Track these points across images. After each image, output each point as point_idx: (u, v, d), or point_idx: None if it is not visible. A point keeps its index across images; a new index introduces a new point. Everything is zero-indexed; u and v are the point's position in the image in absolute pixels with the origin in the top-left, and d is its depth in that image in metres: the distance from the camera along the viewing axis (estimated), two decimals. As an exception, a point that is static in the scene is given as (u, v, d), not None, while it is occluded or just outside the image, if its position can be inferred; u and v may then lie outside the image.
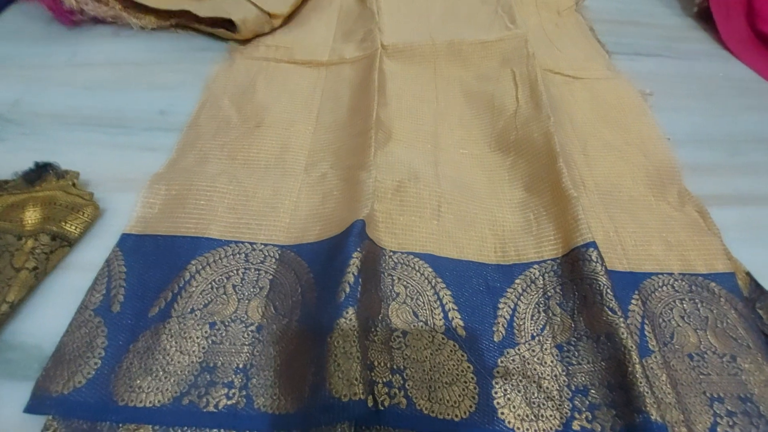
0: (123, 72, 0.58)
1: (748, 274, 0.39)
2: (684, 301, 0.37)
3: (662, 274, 0.38)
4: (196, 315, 0.33)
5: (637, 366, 0.29)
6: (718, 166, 0.50)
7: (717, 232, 0.42)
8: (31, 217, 0.37)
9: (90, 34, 0.63)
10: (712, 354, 0.34)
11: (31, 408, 0.28)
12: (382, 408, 0.29)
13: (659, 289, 0.37)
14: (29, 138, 0.48)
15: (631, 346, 0.30)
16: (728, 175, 0.49)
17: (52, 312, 0.34)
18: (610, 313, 0.32)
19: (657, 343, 0.33)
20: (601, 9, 0.76)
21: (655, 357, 0.32)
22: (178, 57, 0.60)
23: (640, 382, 0.28)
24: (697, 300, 0.37)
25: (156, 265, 0.36)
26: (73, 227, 0.37)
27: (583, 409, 0.30)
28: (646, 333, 0.34)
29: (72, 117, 0.51)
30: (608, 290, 0.33)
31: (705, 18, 0.73)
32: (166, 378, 0.30)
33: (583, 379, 0.31)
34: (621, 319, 0.31)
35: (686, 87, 0.61)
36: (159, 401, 0.29)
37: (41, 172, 0.40)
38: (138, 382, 0.30)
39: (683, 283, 0.38)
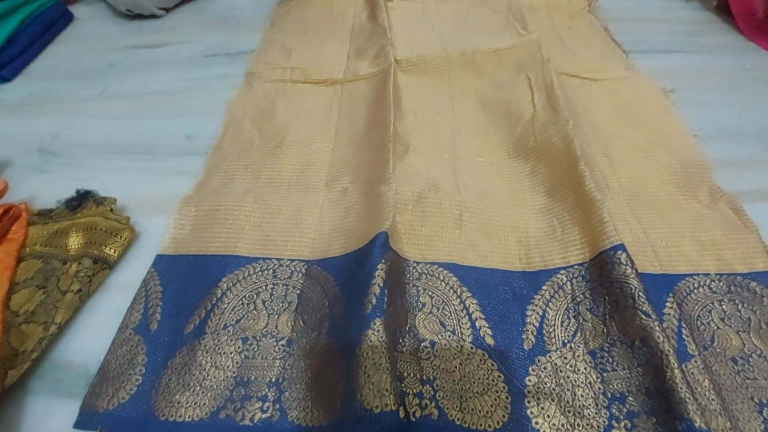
0: (150, 102, 0.61)
1: (791, 271, 0.37)
2: (723, 303, 0.35)
3: (697, 275, 0.37)
4: (229, 331, 0.34)
5: (676, 371, 0.28)
6: (751, 161, 0.48)
7: (755, 229, 0.40)
8: (75, 242, 0.39)
9: (119, 69, 0.68)
10: (758, 357, 0.32)
11: (81, 424, 0.30)
12: (414, 419, 0.29)
13: (695, 291, 0.36)
14: (69, 168, 0.52)
15: (668, 350, 0.29)
16: (763, 169, 0.47)
17: (96, 331, 0.35)
18: (643, 316, 0.31)
19: (696, 347, 0.32)
20: (615, 8, 0.75)
21: (695, 362, 0.31)
22: (200, 84, 0.63)
23: (680, 388, 0.27)
24: (737, 301, 0.35)
25: (189, 284, 0.37)
26: (113, 250, 0.39)
27: (622, 417, 0.29)
28: (684, 337, 0.32)
29: (106, 146, 0.54)
30: (640, 293, 0.32)
31: (725, 11, 0.71)
32: (203, 393, 0.31)
33: (620, 385, 0.31)
34: (656, 323, 0.30)
35: (711, 81, 0.60)
36: (197, 416, 0.30)
37: (82, 199, 0.43)
38: (177, 397, 0.31)
39: (721, 283, 0.36)
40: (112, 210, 0.42)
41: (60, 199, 0.44)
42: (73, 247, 0.39)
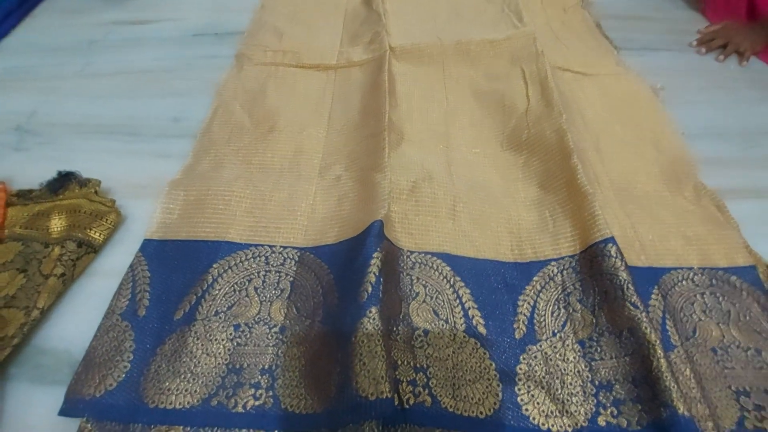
0: (134, 80, 0.59)
1: (768, 266, 0.38)
2: (705, 295, 0.36)
3: (682, 268, 0.38)
4: (220, 317, 0.34)
5: (662, 360, 0.29)
6: (734, 159, 0.50)
7: (735, 226, 0.41)
8: (57, 225, 0.37)
9: (100, 45, 0.65)
10: (736, 348, 0.34)
11: (66, 411, 0.29)
12: (407, 406, 0.29)
13: (679, 284, 0.37)
14: (47, 147, 0.49)
15: (655, 341, 0.30)
16: (745, 168, 0.49)
17: (80, 317, 0.34)
18: (632, 307, 0.32)
19: (679, 338, 0.33)
20: (607, 5, 0.76)
21: (678, 351, 0.32)
22: (187, 64, 0.61)
23: (666, 377, 0.28)
24: (718, 294, 0.37)
25: (179, 270, 0.36)
26: (98, 234, 0.38)
27: (608, 405, 0.30)
28: (667, 328, 0.34)
29: (87, 126, 0.52)
30: (629, 285, 0.33)
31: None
32: (194, 380, 0.31)
33: (607, 374, 0.32)
34: (643, 314, 0.31)
35: (698, 80, 0.61)
36: (188, 403, 0.30)
37: (64, 180, 0.41)
38: (167, 384, 0.30)
39: (703, 277, 0.38)
40: (96, 192, 0.41)
41: (42, 181, 0.42)
42: (55, 229, 0.37)
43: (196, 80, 0.58)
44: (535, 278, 0.37)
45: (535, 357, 0.33)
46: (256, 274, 0.37)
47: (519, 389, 0.31)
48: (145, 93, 0.57)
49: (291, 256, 0.38)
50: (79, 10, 0.72)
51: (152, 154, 0.49)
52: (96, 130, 0.52)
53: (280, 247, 0.39)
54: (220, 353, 0.32)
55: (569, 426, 0.30)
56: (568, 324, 0.34)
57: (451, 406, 0.30)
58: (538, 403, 0.31)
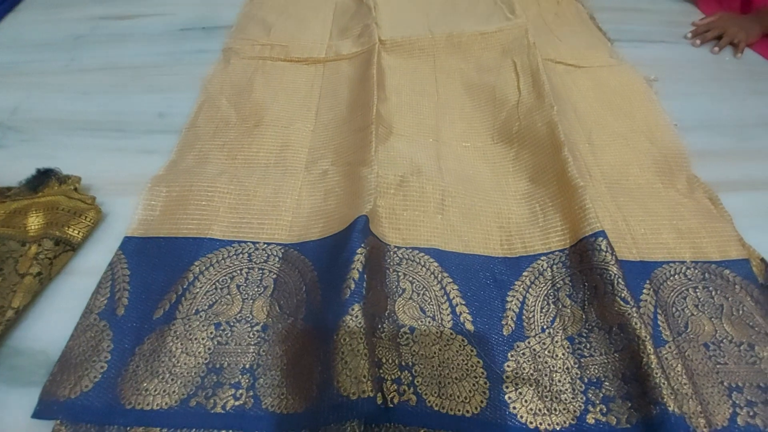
0: (120, 76, 0.58)
1: (762, 260, 0.38)
2: (697, 290, 0.36)
3: (674, 262, 0.37)
4: (201, 316, 0.33)
5: (652, 356, 0.28)
6: (727, 152, 0.49)
7: (729, 219, 0.41)
8: (34, 222, 0.36)
9: (86, 40, 0.64)
10: (729, 343, 0.33)
11: (39, 413, 0.28)
12: (392, 405, 0.29)
13: (671, 278, 0.36)
14: (29, 144, 0.48)
15: (645, 337, 0.29)
16: (738, 160, 0.48)
17: (57, 317, 0.34)
18: (622, 303, 0.31)
19: (671, 333, 0.32)
20: (601, -3, 0.75)
21: (670, 347, 0.31)
22: (174, 59, 0.60)
23: (656, 373, 0.28)
24: (711, 288, 0.36)
25: (159, 267, 0.36)
26: (76, 232, 0.37)
27: (597, 402, 0.30)
28: (659, 323, 0.33)
29: (71, 122, 0.51)
30: (620, 280, 0.32)
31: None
32: (172, 380, 0.30)
33: (596, 371, 0.31)
34: (634, 309, 0.31)
35: (692, 72, 0.60)
36: (166, 404, 0.29)
37: (43, 177, 0.40)
38: (145, 384, 0.30)
39: (696, 271, 0.37)
40: (76, 189, 0.40)
41: (21, 180, 0.41)
42: (32, 227, 0.36)
43: (183, 75, 0.57)
44: (525, 273, 0.37)
45: (524, 354, 0.32)
46: (238, 272, 0.36)
47: (507, 387, 0.30)
48: (131, 89, 0.56)
49: (274, 253, 0.37)
50: (65, 5, 0.71)
51: (137, 150, 0.48)
52: (80, 127, 0.51)
53: (264, 243, 0.38)
54: (200, 353, 0.31)
55: (557, 424, 0.29)
56: (558, 320, 0.34)
57: (436, 405, 0.29)
58: (526, 401, 0.30)
